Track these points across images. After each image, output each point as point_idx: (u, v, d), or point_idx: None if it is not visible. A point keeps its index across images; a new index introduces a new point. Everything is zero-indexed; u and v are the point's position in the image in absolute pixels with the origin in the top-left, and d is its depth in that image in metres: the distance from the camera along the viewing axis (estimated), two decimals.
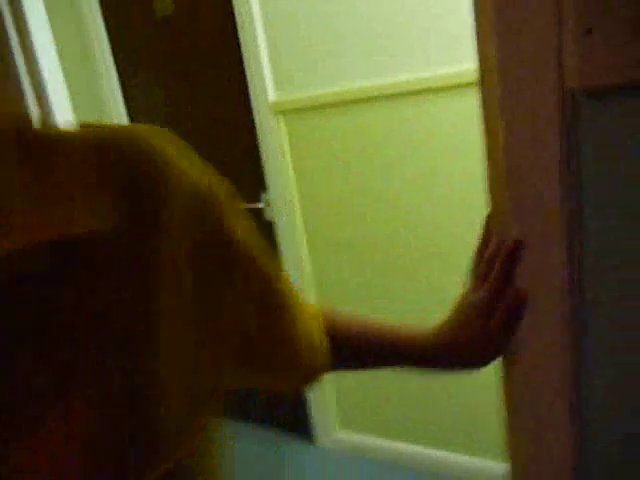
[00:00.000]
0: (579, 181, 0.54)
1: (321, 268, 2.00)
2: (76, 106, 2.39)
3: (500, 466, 1.83)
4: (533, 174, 0.55)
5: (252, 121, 1.97)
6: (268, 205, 2.06)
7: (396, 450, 2.07)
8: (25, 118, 0.39)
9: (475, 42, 0.55)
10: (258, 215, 2.11)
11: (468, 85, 1.51)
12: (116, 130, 0.41)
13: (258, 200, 2.09)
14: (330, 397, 2.17)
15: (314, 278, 2.03)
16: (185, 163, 0.42)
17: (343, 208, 1.88)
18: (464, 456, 1.95)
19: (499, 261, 0.53)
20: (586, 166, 0.53)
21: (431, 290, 1.81)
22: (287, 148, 1.92)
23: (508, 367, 0.61)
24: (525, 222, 0.56)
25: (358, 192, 1.83)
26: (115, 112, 2.31)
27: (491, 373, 0.73)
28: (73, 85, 2.38)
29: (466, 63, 1.51)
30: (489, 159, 0.60)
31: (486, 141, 0.60)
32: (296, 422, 2.34)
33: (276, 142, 1.91)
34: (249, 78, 1.91)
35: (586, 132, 0.51)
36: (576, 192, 0.54)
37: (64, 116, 1.32)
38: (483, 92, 0.58)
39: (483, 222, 0.60)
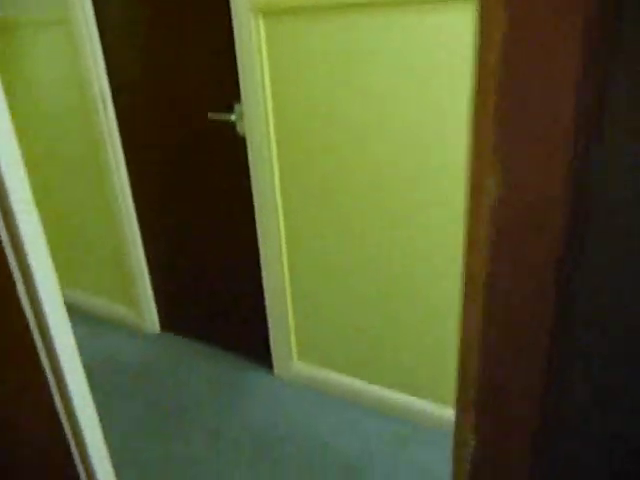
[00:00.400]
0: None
1: (289, 187, 1.86)
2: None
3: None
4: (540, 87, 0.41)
5: (230, 22, 1.74)
6: (241, 119, 1.88)
7: (351, 386, 2.03)
8: None
9: None
10: (230, 128, 1.93)
11: None
12: None
13: (232, 111, 1.90)
14: (289, 328, 2.09)
15: (282, 197, 1.89)
16: None
17: (318, 125, 1.71)
18: (422, 400, 1.91)
19: None
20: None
21: (398, 217, 1.69)
22: (265, 54, 1.71)
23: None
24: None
25: (336, 109, 1.66)
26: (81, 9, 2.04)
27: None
28: None
29: None
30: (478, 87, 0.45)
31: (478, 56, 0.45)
32: (257, 350, 2.28)
33: (254, 46, 1.70)
34: None
35: None
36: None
37: None
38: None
39: None
